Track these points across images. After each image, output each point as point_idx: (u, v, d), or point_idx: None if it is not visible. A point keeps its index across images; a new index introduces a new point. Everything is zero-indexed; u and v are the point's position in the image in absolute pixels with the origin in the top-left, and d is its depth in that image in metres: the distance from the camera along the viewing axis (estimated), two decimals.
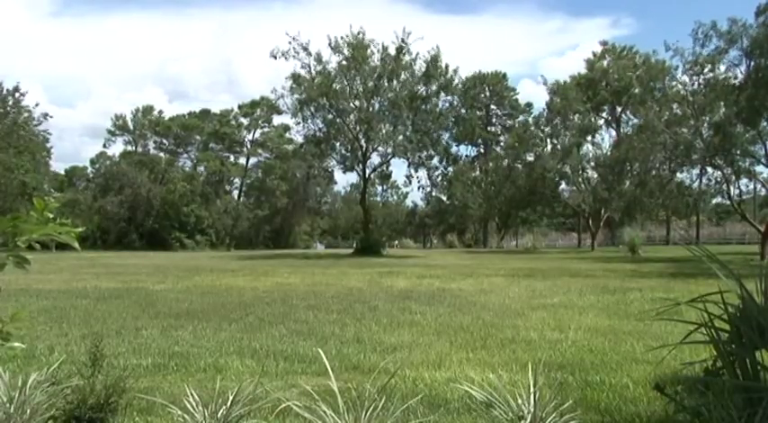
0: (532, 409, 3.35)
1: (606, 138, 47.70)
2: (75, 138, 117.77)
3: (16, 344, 2.58)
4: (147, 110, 74.32)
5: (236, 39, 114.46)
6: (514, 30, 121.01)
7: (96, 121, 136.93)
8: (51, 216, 2.18)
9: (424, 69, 36.62)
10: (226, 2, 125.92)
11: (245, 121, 74.99)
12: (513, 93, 71.85)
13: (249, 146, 74.80)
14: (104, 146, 73.61)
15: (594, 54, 55.39)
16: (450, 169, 44.05)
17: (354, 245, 42.64)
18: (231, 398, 3.45)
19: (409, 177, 40.01)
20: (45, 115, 51.87)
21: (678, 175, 37.14)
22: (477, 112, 67.65)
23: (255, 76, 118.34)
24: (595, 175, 43.77)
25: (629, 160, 38.15)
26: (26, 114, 50.33)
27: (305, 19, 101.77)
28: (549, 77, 47.86)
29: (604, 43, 55.86)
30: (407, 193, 58.11)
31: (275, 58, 36.04)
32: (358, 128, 37.66)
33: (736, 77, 30.56)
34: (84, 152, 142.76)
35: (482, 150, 67.87)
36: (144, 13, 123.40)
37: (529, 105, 70.31)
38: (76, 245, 2.17)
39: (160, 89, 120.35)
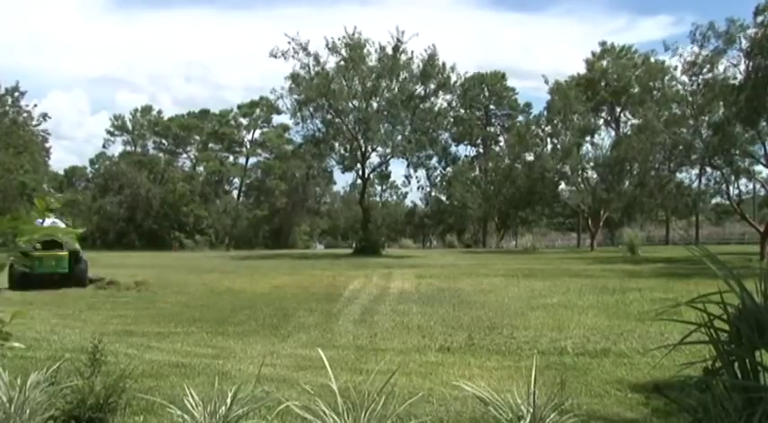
0: (532, 409, 3.35)
1: (606, 138, 47.67)
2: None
3: (16, 344, 2.58)
4: (146, 110, 74.30)
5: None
6: (580, 27, 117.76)
7: None
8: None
9: (421, 68, 36.62)
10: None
11: (244, 122, 74.91)
12: (511, 93, 72.03)
13: (249, 146, 74.74)
14: (104, 146, 73.74)
15: (594, 54, 55.32)
16: (450, 169, 44.01)
17: (354, 245, 42.58)
18: (230, 397, 3.44)
19: (408, 177, 40.02)
20: (44, 116, 51.93)
21: (677, 175, 37.13)
22: (477, 113, 67.62)
23: None
24: (595, 176, 43.73)
25: (629, 160, 38.12)
26: (25, 114, 50.30)
27: (374, 16, 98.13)
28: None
29: (603, 43, 55.80)
30: (406, 193, 58.19)
31: (275, 57, 36.06)
32: (357, 128, 37.63)
33: (735, 77, 30.56)
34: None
35: (481, 150, 67.85)
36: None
37: (528, 105, 70.55)
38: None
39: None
